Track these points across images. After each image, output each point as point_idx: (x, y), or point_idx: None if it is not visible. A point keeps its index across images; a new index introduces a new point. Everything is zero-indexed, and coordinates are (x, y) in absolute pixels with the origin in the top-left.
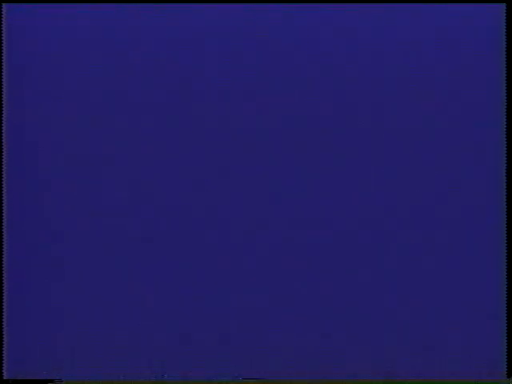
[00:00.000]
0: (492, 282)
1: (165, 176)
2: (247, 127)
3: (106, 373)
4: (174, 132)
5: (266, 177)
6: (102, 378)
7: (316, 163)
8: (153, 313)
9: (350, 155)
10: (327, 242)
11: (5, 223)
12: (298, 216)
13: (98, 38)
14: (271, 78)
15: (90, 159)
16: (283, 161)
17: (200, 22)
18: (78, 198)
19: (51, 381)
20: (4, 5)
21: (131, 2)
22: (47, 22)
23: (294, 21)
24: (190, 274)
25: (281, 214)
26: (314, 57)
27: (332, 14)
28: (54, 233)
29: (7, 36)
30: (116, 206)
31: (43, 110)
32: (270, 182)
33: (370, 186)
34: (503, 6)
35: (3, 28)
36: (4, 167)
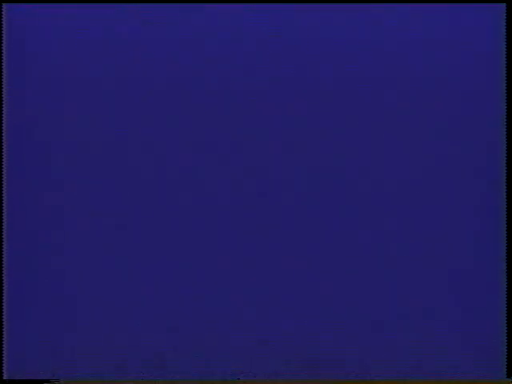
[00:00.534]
0: (492, 282)
1: (165, 176)
2: (247, 127)
3: (106, 373)
4: (174, 132)
5: (266, 177)
6: (102, 378)
7: (316, 163)
8: (153, 313)
9: (350, 155)
10: (327, 242)
11: (5, 223)
12: (298, 216)
13: (98, 37)
14: (271, 78)
15: (89, 159)
16: (283, 161)
17: (200, 21)
18: (78, 198)
19: (51, 381)
20: (4, 5)
21: (131, 2)
22: (47, 21)
23: (294, 21)
24: (189, 273)
25: (281, 213)
26: (314, 57)
27: (332, 14)
28: (54, 233)
29: (7, 36)
30: (116, 206)
31: (43, 110)
32: (270, 181)
33: (370, 186)
34: (503, 5)
35: (3, 28)
36: (4, 167)
